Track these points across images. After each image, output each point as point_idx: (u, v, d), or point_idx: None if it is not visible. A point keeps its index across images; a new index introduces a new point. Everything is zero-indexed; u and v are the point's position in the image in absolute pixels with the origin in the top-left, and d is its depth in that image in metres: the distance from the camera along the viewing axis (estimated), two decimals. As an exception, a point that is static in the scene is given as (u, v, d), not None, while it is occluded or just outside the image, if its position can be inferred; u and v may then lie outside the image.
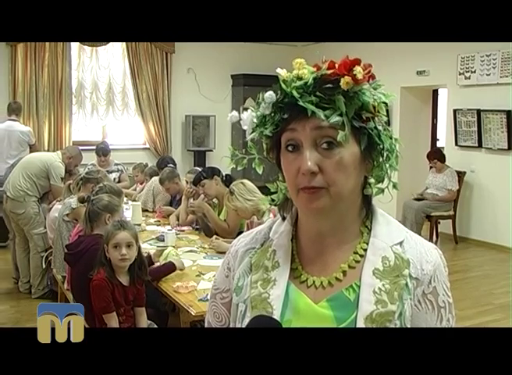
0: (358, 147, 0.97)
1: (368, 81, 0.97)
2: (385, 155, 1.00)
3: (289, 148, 0.97)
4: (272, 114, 0.99)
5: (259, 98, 1.00)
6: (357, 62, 0.95)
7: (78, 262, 3.17)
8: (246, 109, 1.04)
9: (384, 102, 0.98)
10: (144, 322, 2.99)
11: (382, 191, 1.03)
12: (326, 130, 0.94)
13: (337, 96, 0.94)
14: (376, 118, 0.97)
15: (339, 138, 0.93)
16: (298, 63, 0.98)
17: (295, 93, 0.95)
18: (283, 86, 0.96)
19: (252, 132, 1.02)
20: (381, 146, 0.99)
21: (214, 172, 4.44)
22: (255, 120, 1.01)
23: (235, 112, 1.07)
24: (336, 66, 0.95)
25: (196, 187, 4.52)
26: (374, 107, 0.96)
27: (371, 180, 1.03)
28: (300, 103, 0.94)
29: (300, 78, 0.96)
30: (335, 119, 0.93)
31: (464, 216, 7.25)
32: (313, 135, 0.95)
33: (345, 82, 0.93)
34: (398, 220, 1.07)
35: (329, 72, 0.95)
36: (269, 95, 0.98)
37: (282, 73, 0.98)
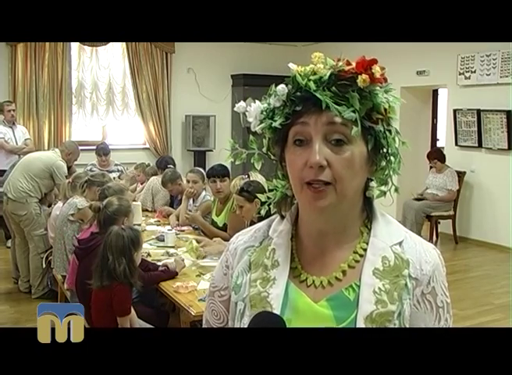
0: (366, 147, 0.97)
1: (382, 83, 0.97)
2: (389, 158, 1.00)
3: (297, 142, 0.97)
4: (282, 107, 0.99)
5: (271, 89, 1.00)
6: (375, 61, 0.96)
7: (87, 256, 3.21)
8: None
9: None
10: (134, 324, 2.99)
11: (384, 193, 1.03)
12: (338, 126, 0.94)
13: (352, 93, 0.94)
14: (385, 120, 0.97)
15: (352, 133, 0.93)
16: (317, 57, 0.98)
17: (312, 85, 0.95)
18: (299, 78, 0.96)
19: (260, 124, 1.02)
20: (386, 149, 0.99)
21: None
22: (263, 112, 1.01)
23: (243, 103, 1.06)
24: (353, 64, 0.96)
25: (215, 177, 4.37)
26: (385, 109, 0.97)
27: (373, 183, 1.03)
28: (317, 95, 0.94)
29: (315, 73, 0.97)
30: (349, 114, 0.93)
31: (464, 216, 7.25)
32: (324, 130, 0.95)
33: (362, 80, 0.93)
34: (398, 220, 1.07)
35: (347, 68, 0.95)
36: (282, 88, 0.99)
37: (295, 67, 0.98)
